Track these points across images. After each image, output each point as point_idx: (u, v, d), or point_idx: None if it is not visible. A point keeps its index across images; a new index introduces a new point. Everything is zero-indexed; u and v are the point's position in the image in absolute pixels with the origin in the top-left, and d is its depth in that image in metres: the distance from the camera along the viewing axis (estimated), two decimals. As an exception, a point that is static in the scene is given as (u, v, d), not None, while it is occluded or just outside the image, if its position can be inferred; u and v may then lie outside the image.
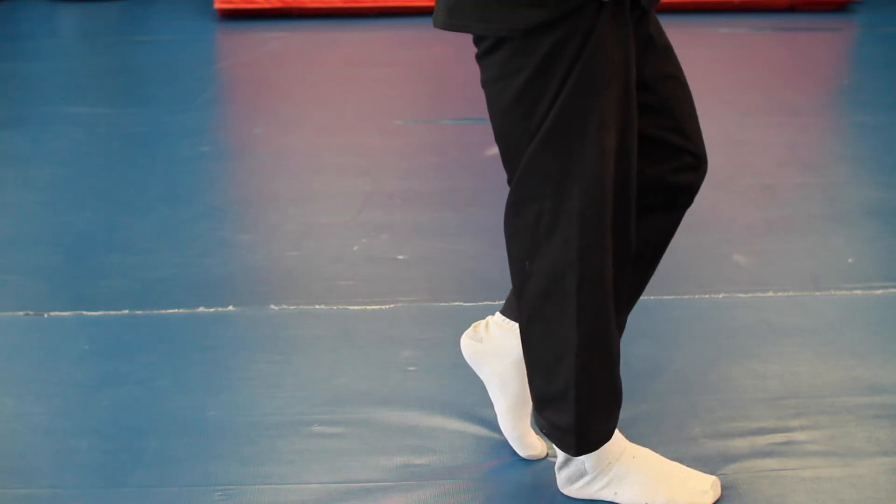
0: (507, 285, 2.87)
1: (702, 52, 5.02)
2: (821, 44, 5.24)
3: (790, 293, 2.81)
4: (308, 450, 2.20)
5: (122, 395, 2.38)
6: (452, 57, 4.75)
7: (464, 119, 4.08)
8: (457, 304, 2.73)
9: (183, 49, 5.06)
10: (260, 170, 3.70)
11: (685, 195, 1.98)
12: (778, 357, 2.52)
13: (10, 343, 2.62)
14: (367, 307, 2.72)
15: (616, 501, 2.01)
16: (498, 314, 2.14)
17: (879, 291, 2.82)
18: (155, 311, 2.72)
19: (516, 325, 2.06)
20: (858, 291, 2.82)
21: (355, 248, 3.06)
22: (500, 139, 1.85)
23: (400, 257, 3.01)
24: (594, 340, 1.88)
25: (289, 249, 3.07)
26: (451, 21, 1.77)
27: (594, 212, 1.79)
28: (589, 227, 1.80)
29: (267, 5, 5.53)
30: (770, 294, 2.80)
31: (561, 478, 2.04)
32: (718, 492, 2.04)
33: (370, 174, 3.57)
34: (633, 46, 1.79)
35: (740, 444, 2.21)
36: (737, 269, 2.95)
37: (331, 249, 3.05)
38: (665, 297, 2.78)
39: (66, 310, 2.73)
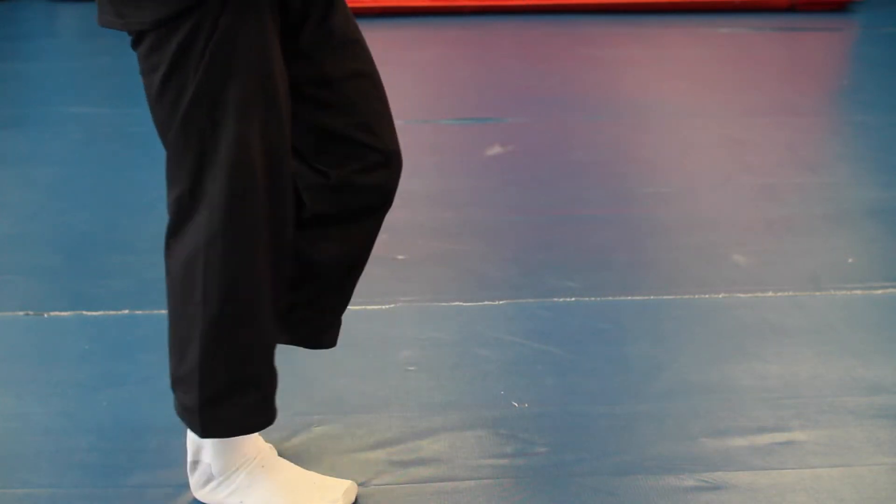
0: (508, 285, 2.88)
1: (702, 52, 5.03)
2: (821, 44, 5.24)
3: (790, 293, 2.81)
4: (308, 450, 2.20)
5: (122, 395, 2.38)
6: (452, 57, 4.75)
7: (464, 119, 4.08)
8: (456, 304, 2.72)
9: (183, 49, 5.05)
10: (260, 170, 3.69)
11: (379, 196, 1.96)
12: (778, 357, 2.52)
13: (10, 343, 2.62)
14: (367, 307, 2.72)
15: None
16: None
17: (879, 291, 2.82)
18: (155, 311, 2.72)
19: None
20: (858, 291, 2.82)
21: (355, 248, 3.05)
22: (157, 128, 1.85)
23: (400, 257, 3.01)
24: (223, 327, 1.84)
25: (289, 249, 3.06)
26: (100, 17, 1.79)
27: (229, 199, 1.78)
28: (221, 213, 1.79)
29: (267, 5, 5.53)
30: (770, 294, 2.80)
31: (193, 480, 2.02)
32: (352, 497, 2.02)
33: (370, 174, 3.56)
34: (273, 36, 1.77)
35: (740, 444, 2.21)
36: (737, 269, 2.95)
37: (331, 249, 3.04)
38: (665, 297, 2.78)
39: (66, 310, 2.73)
